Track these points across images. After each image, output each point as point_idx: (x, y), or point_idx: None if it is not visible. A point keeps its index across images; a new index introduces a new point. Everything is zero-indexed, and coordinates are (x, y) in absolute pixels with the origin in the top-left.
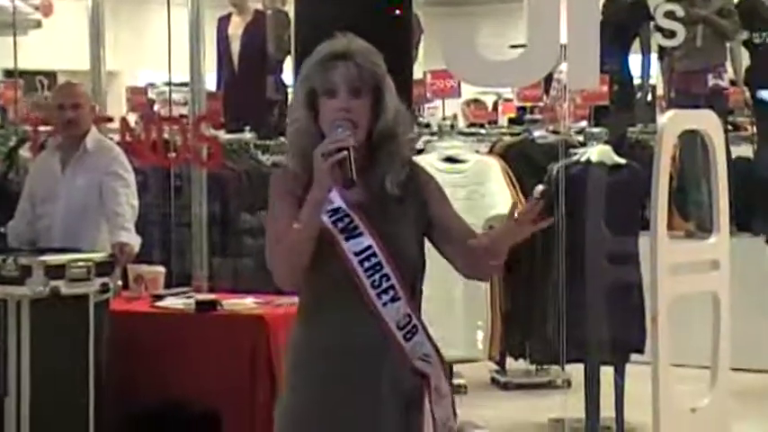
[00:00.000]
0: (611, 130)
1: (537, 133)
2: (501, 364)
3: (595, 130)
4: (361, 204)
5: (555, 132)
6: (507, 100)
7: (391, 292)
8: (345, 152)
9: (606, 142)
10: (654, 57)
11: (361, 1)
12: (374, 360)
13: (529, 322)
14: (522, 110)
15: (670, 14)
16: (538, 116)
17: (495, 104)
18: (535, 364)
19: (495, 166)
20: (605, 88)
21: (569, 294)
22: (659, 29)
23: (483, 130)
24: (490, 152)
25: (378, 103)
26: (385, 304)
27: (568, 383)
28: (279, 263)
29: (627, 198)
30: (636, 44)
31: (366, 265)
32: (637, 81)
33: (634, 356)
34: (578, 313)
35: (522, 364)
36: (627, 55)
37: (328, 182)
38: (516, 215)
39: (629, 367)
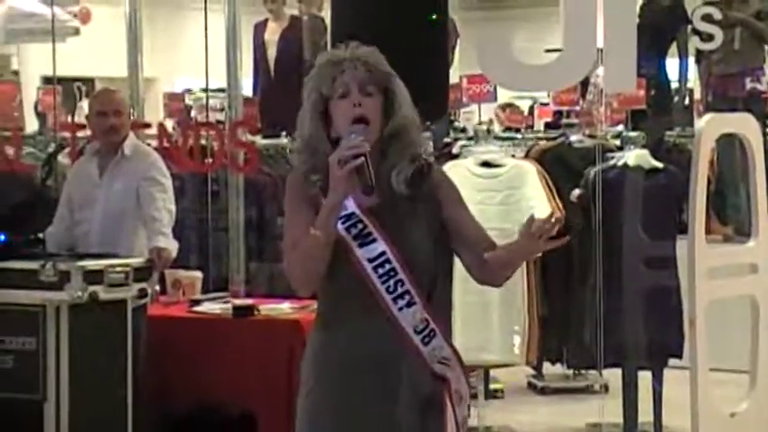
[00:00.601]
0: (648, 134)
1: (573, 137)
2: (538, 368)
3: (632, 134)
4: (372, 208)
5: (591, 137)
6: (543, 104)
7: (407, 297)
8: (362, 158)
9: (643, 146)
10: (691, 60)
11: (397, 5)
12: (392, 365)
13: (566, 327)
14: (558, 114)
15: (707, 17)
16: (574, 120)
17: (531, 109)
18: (572, 369)
19: (531, 171)
20: (642, 92)
21: (606, 299)
22: (696, 32)
23: (519, 135)
24: (526, 156)
25: (389, 103)
26: (401, 309)
27: (606, 388)
28: (295, 269)
29: (664, 202)
30: (673, 48)
31: (380, 271)
32: (674, 85)
33: (672, 361)
34: (615, 318)
35: (559, 368)
36: (664, 58)
37: (344, 188)
38: (533, 229)
39: (666, 372)
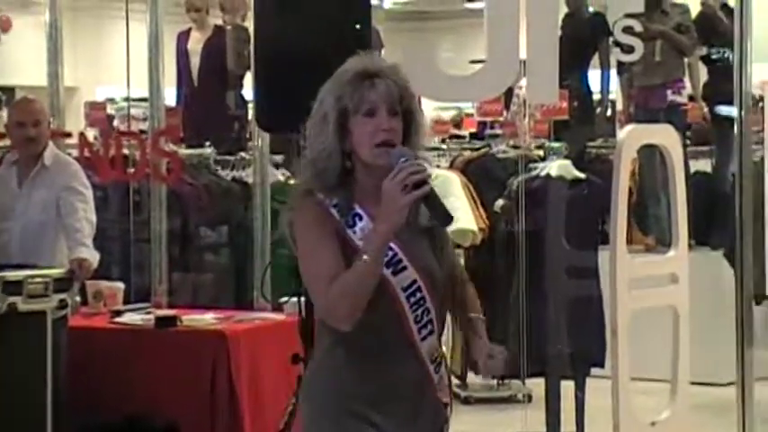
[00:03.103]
0: (570, 144)
1: (497, 148)
2: (462, 378)
3: (555, 144)
4: (398, 235)
5: (515, 147)
6: (468, 115)
7: (429, 327)
8: (428, 186)
9: (566, 157)
10: (613, 72)
11: (320, 16)
12: (418, 395)
13: (489, 336)
14: (482, 125)
15: (628, 30)
16: (498, 131)
17: (459, 119)
18: (496, 379)
19: (455, 181)
20: (565, 103)
21: (530, 308)
22: (618, 44)
23: (444, 145)
24: (451, 167)
25: (408, 125)
26: (423, 339)
27: (529, 398)
28: (342, 303)
29: (586, 212)
30: (595, 59)
31: (412, 300)
32: (596, 96)
33: (594, 370)
34: (539, 327)
35: (482, 378)
36: (586, 70)
37: (403, 217)
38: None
39: (589, 381)
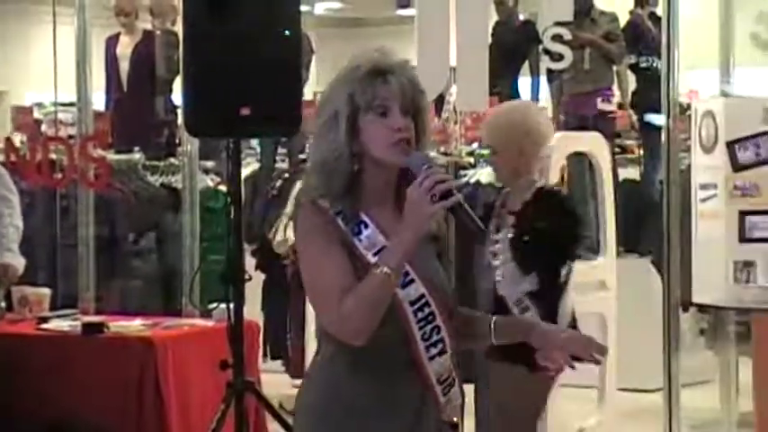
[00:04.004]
0: None
1: (432, 154)
2: None
3: (485, 151)
4: None
5: (446, 154)
6: None
7: (440, 346)
8: (458, 196)
9: None
10: (543, 79)
11: (249, 22)
12: (414, 417)
13: None
14: None
15: (557, 38)
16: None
17: None
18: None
19: None
20: None
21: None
22: (547, 52)
23: None
24: None
25: (418, 125)
26: (432, 358)
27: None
28: (358, 317)
29: None
30: (526, 67)
31: (419, 315)
32: None
33: None
34: None
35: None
36: (516, 77)
37: (427, 227)
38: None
39: None
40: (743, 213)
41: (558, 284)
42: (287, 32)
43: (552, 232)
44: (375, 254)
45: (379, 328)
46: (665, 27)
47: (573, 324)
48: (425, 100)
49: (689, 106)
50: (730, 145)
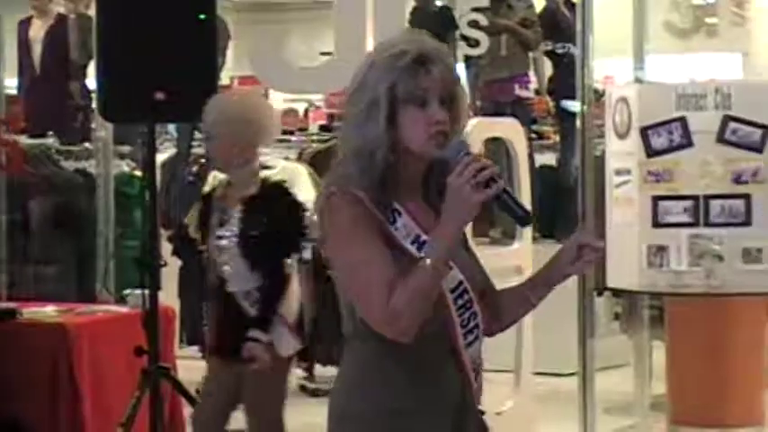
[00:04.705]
0: None
1: None
2: (309, 370)
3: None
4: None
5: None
6: (318, 107)
7: (475, 332)
8: (501, 183)
9: None
10: (461, 65)
11: (163, 6)
12: (461, 407)
13: (336, 328)
14: (332, 117)
15: (474, 24)
16: None
17: (306, 112)
18: None
19: (302, 174)
20: None
21: None
22: (464, 37)
23: (293, 138)
24: (299, 159)
25: (452, 113)
26: (469, 345)
27: None
28: (407, 313)
29: None
30: None
31: (459, 302)
32: None
33: None
34: None
35: (330, 370)
36: None
37: (472, 216)
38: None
39: None
40: (656, 199)
41: (283, 278)
42: (202, 17)
43: (278, 226)
44: (412, 242)
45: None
46: (579, 13)
47: (300, 320)
48: (461, 88)
49: (605, 92)
50: (644, 131)
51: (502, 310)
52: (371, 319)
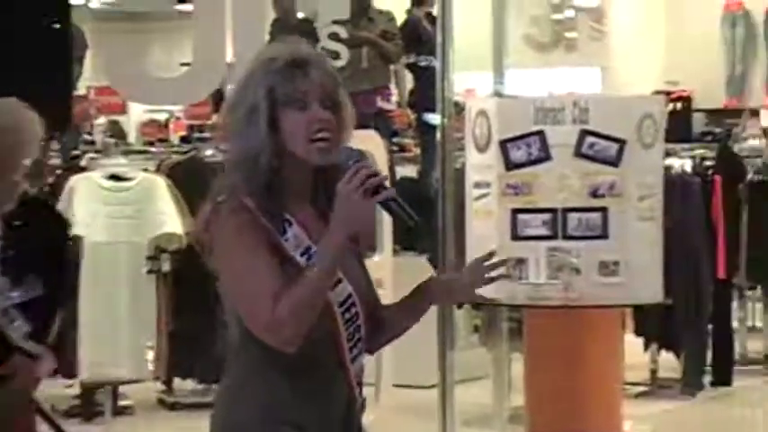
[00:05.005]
0: None
1: (208, 152)
2: (168, 384)
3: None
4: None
5: (224, 151)
6: (179, 118)
7: (360, 346)
8: (391, 190)
9: None
10: None
11: (16, 14)
12: (346, 422)
13: (195, 341)
14: (191, 128)
15: (334, 36)
16: (207, 134)
17: (167, 122)
18: (203, 384)
19: (161, 185)
20: None
21: None
22: (324, 50)
23: (154, 149)
24: (157, 170)
25: (338, 120)
26: (354, 359)
27: None
28: (292, 322)
29: None
30: None
31: (347, 316)
32: None
33: None
34: None
35: (189, 383)
36: None
37: (361, 223)
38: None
39: None
40: (515, 211)
41: (46, 295)
42: (57, 26)
43: (39, 242)
44: (302, 254)
45: (309, 330)
46: (439, 27)
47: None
48: (345, 94)
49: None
50: (503, 144)
51: (385, 325)
52: (255, 327)
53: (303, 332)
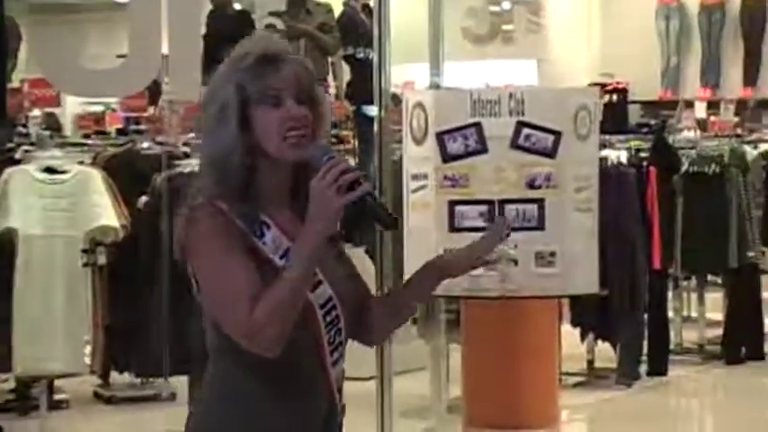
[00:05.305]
0: None
1: (145, 144)
2: (104, 377)
3: (200, 141)
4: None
5: (160, 143)
6: (114, 110)
7: (340, 350)
8: (366, 186)
9: None
10: None
11: None
12: (327, 427)
13: (132, 334)
14: (128, 120)
15: (272, 28)
16: (143, 126)
17: (103, 115)
18: (140, 377)
19: (96, 177)
20: None
21: (173, 306)
22: None
23: (90, 141)
24: (93, 163)
25: (314, 116)
26: (334, 363)
27: (173, 396)
28: (271, 325)
29: None
30: None
31: (328, 319)
32: None
33: None
34: (182, 325)
35: (126, 377)
36: None
37: (337, 221)
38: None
39: None
40: (452, 203)
41: None
42: None
43: None
44: (281, 257)
45: (290, 334)
46: (376, 19)
47: None
48: (321, 89)
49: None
50: (440, 136)
51: (376, 322)
52: (233, 332)
53: (283, 336)
